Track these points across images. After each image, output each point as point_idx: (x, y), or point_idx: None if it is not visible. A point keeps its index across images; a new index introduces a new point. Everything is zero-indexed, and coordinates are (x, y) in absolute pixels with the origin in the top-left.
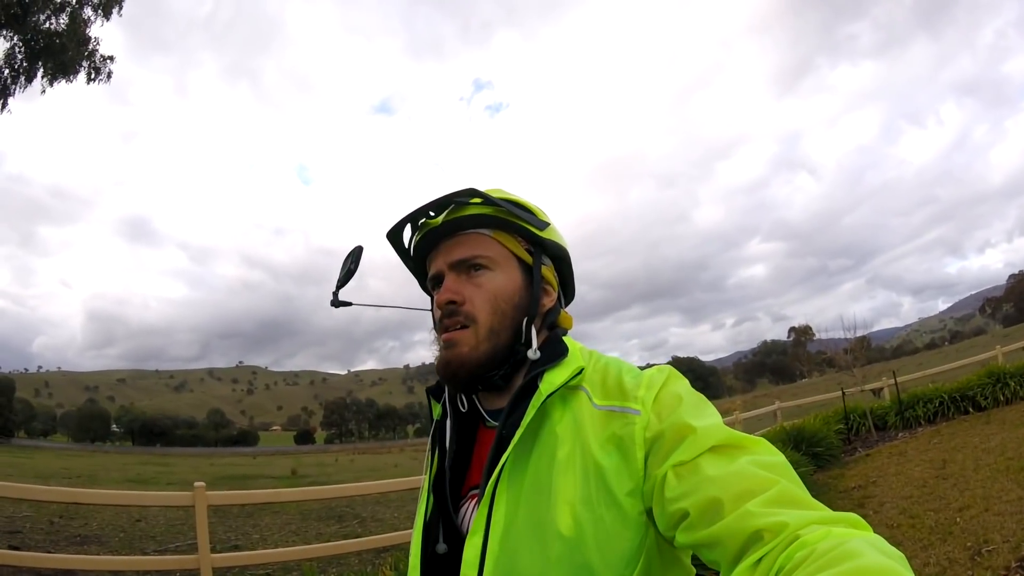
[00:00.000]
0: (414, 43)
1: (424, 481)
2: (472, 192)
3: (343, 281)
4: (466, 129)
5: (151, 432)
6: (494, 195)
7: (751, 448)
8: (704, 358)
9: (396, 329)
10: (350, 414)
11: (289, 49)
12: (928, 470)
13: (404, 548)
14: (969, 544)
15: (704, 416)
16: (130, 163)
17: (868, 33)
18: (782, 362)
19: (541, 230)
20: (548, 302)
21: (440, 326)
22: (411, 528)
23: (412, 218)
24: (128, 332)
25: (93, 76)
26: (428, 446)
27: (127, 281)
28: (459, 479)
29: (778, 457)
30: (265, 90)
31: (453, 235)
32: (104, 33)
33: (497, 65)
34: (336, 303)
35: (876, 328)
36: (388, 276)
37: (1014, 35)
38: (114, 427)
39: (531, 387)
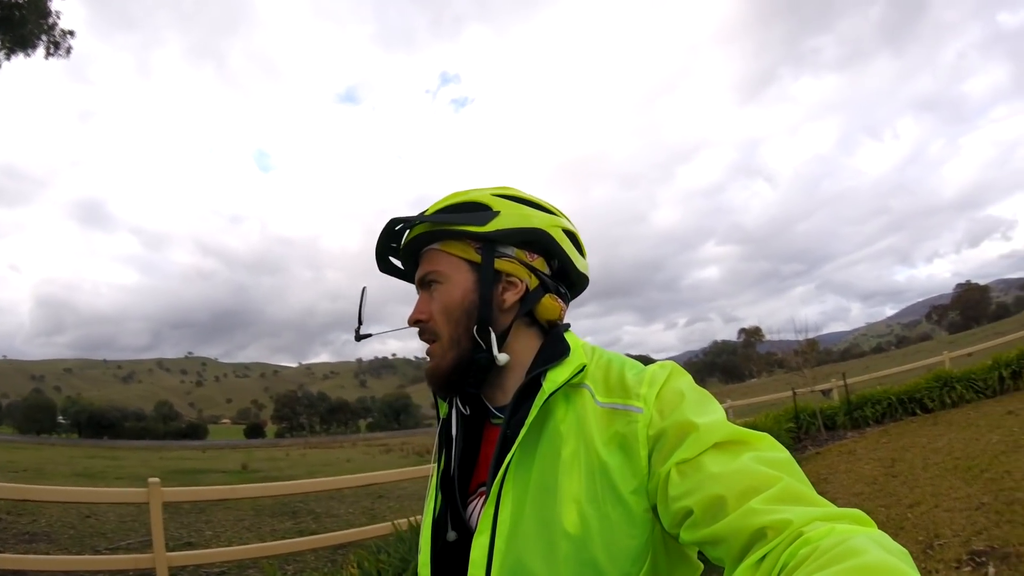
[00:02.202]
0: (384, 32)
1: (432, 478)
2: (394, 221)
3: (360, 317)
4: (431, 122)
5: (99, 424)
6: (455, 199)
7: (754, 444)
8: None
9: (350, 322)
10: (301, 408)
11: (257, 31)
12: (878, 468)
13: (362, 545)
14: (921, 538)
15: (707, 412)
16: (86, 143)
17: (832, 47)
18: (732, 362)
19: (483, 225)
20: (511, 296)
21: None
22: (368, 525)
23: (379, 254)
24: (78, 320)
25: (52, 51)
26: (436, 443)
27: (78, 266)
28: (467, 476)
29: (782, 453)
30: (229, 73)
31: (422, 253)
32: (66, 7)
33: (465, 60)
34: (359, 337)
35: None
36: (344, 267)
37: (975, 56)
38: (61, 419)
39: (534, 386)
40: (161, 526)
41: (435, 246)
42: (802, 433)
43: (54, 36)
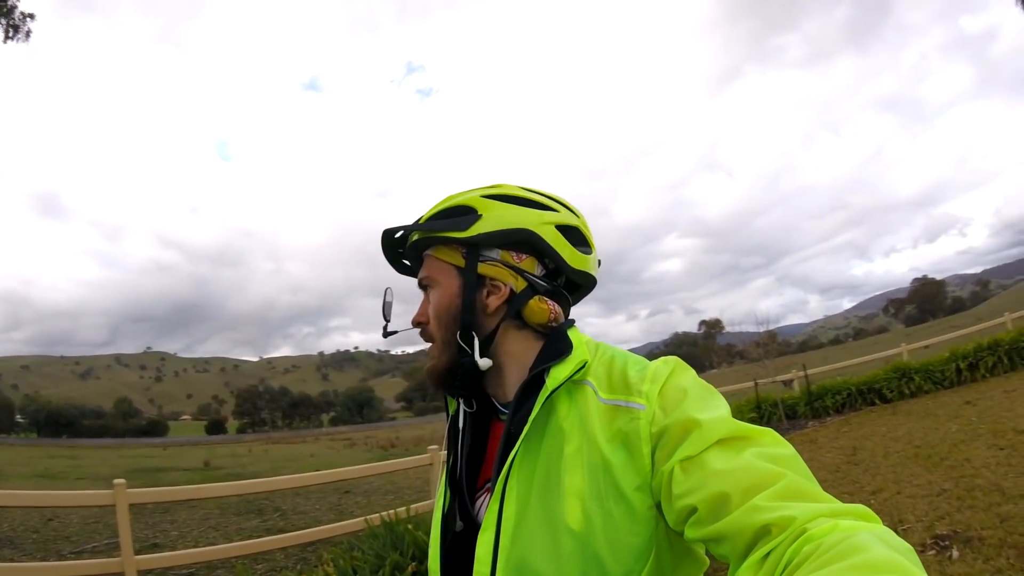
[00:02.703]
0: (349, 21)
1: (441, 474)
2: (387, 232)
3: (386, 315)
4: (395, 111)
5: (58, 423)
6: (446, 204)
7: (758, 440)
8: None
9: (312, 315)
10: (263, 402)
11: (220, 17)
12: (839, 456)
13: (332, 542)
14: (885, 524)
15: (710, 409)
16: (41, 131)
17: (797, 46)
18: (693, 353)
19: (464, 230)
20: (495, 300)
21: None
22: (335, 521)
23: (389, 260)
24: (35, 315)
25: (11, 34)
26: (445, 438)
27: (34, 260)
28: (476, 471)
29: (786, 449)
30: (190, 59)
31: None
32: None
33: (431, 49)
34: (386, 334)
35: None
36: (306, 259)
37: (936, 58)
38: (19, 418)
39: (537, 382)
40: (129, 528)
41: (429, 251)
42: (764, 423)
43: (13, 19)
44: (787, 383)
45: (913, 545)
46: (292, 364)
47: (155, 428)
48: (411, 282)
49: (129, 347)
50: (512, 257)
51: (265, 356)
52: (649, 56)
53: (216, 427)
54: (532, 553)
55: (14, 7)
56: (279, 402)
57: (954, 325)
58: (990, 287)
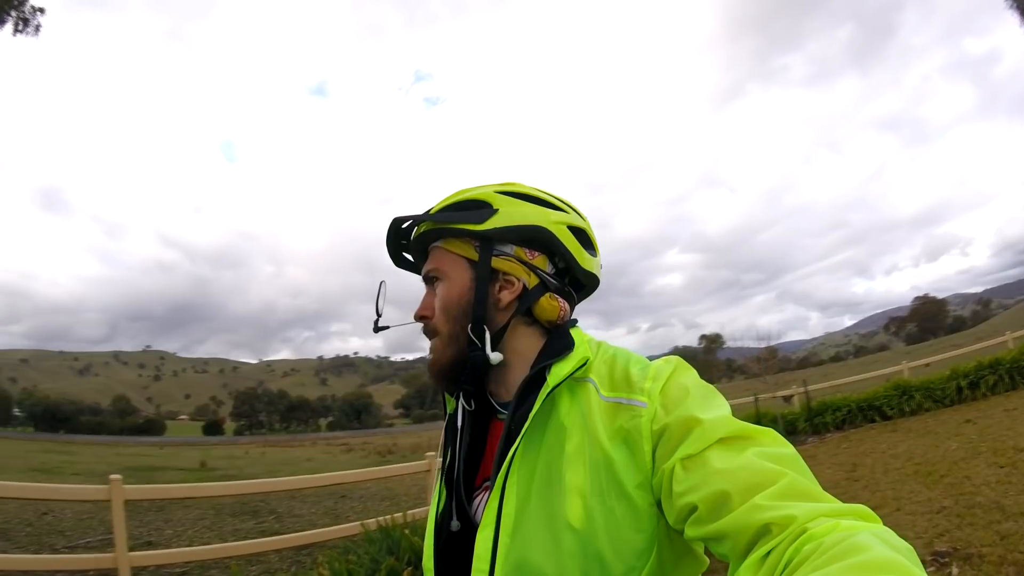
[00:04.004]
0: (358, 27)
1: (438, 472)
2: (397, 220)
3: (378, 310)
4: (402, 119)
5: (54, 417)
6: (459, 196)
7: (759, 439)
8: None
9: (312, 319)
10: (261, 405)
11: (230, 17)
12: (839, 472)
13: (328, 546)
14: None
15: (711, 408)
16: (46, 126)
17: (801, 65)
18: (693, 367)
19: (480, 223)
20: (507, 295)
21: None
22: (330, 525)
23: (391, 250)
24: (34, 309)
25: (21, 27)
26: (442, 437)
27: (35, 254)
28: (473, 471)
29: (787, 448)
30: (198, 58)
31: (428, 251)
32: None
33: (439, 58)
34: (377, 329)
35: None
36: (307, 264)
37: (938, 79)
38: (16, 411)
39: (538, 380)
40: (123, 525)
41: (439, 243)
42: None
43: (23, 13)
44: (787, 399)
45: None
46: (291, 368)
47: (152, 427)
48: (401, 283)
49: (128, 345)
50: (525, 253)
51: (264, 359)
52: (652, 71)
53: (213, 428)
54: (532, 550)
55: (24, 1)
56: (277, 405)
57: (954, 344)
58: (991, 306)
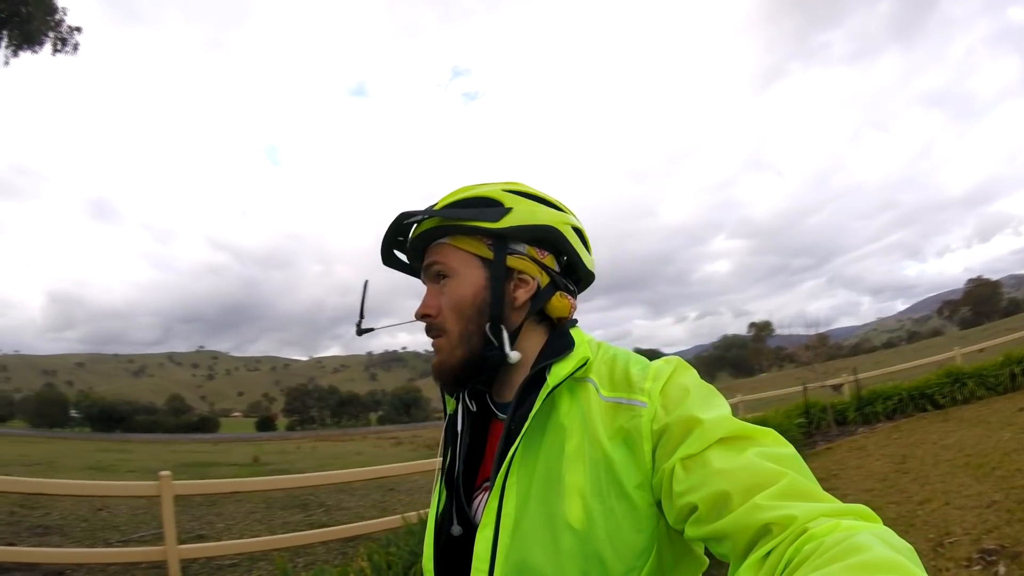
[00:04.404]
0: (394, 25)
1: (437, 473)
2: (404, 215)
3: (362, 312)
4: (441, 115)
5: (110, 418)
6: (465, 193)
7: (759, 439)
8: (666, 351)
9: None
10: (312, 401)
11: (267, 23)
12: (888, 464)
13: (372, 538)
14: (931, 536)
15: (712, 408)
16: (95, 139)
17: (842, 42)
18: (742, 356)
19: (495, 221)
20: (523, 294)
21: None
22: (378, 518)
23: (385, 247)
24: (88, 315)
25: (59, 47)
26: (442, 439)
27: (89, 262)
28: (473, 471)
29: (787, 448)
30: (238, 66)
31: (429, 247)
32: (72, 2)
33: (475, 53)
34: (360, 331)
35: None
36: (353, 262)
37: (983, 51)
38: (73, 412)
39: (538, 380)
40: (172, 519)
41: (445, 240)
42: (812, 428)
43: (61, 32)
44: (837, 387)
45: (959, 559)
46: (341, 364)
47: (206, 424)
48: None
49: (181, 346)
50: (537, 253)
51: (314, 356)
52: (692, 55)
53: (266, 424)
54: (532, 550)
55: (61, 21)
56: (328, 401)
57: (1009, 328)
58: None
